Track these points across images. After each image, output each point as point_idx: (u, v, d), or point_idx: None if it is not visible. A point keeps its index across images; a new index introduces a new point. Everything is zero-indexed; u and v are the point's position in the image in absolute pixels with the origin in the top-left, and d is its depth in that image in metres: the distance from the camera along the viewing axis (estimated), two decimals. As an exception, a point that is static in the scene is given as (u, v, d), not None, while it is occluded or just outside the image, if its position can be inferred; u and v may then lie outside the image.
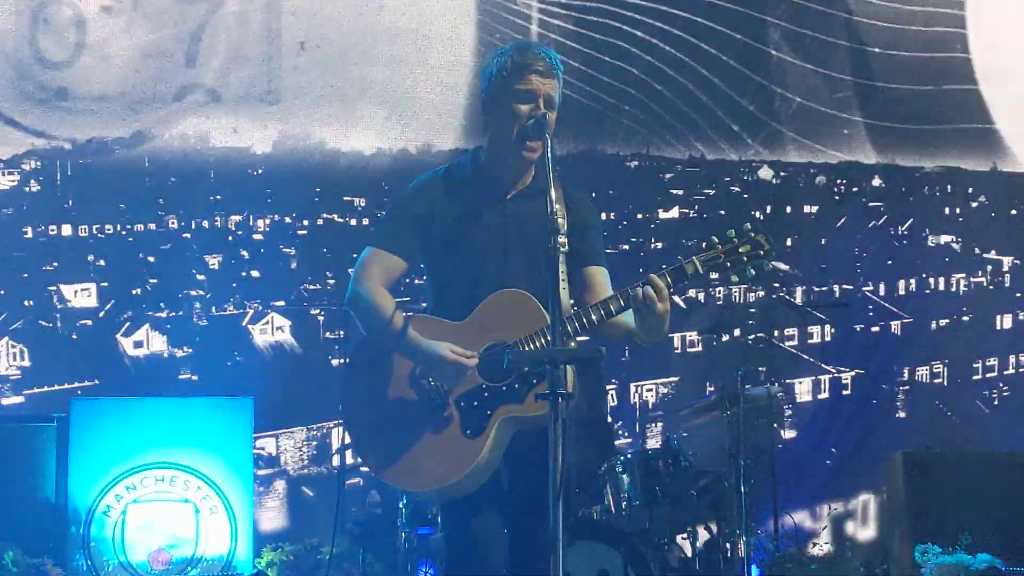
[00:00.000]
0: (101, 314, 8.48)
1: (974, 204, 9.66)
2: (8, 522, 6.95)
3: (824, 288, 9.41)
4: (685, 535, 7.13)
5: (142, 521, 7.12)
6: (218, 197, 8.73)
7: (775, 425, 8.89)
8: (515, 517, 4.14)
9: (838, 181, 9.50)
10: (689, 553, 7.16)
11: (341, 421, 7.31)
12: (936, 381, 9.46)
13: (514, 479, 4.15)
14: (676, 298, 8.64)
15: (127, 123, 8.53)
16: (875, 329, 9.45)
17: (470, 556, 4.13)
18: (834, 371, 9.31)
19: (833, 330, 9.37)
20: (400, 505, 6.77)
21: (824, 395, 9.29)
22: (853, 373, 9.35)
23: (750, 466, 6.91)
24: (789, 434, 9.14)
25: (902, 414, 9.32)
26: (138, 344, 8.55)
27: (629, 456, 6.81)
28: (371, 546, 7.20)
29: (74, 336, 8.42)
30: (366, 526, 7.09)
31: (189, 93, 8.66)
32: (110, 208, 8.57)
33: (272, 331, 8.73)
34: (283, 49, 8.80)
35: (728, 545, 6.91)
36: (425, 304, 4.41)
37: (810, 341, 9.37)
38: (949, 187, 9.60)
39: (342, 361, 8.41)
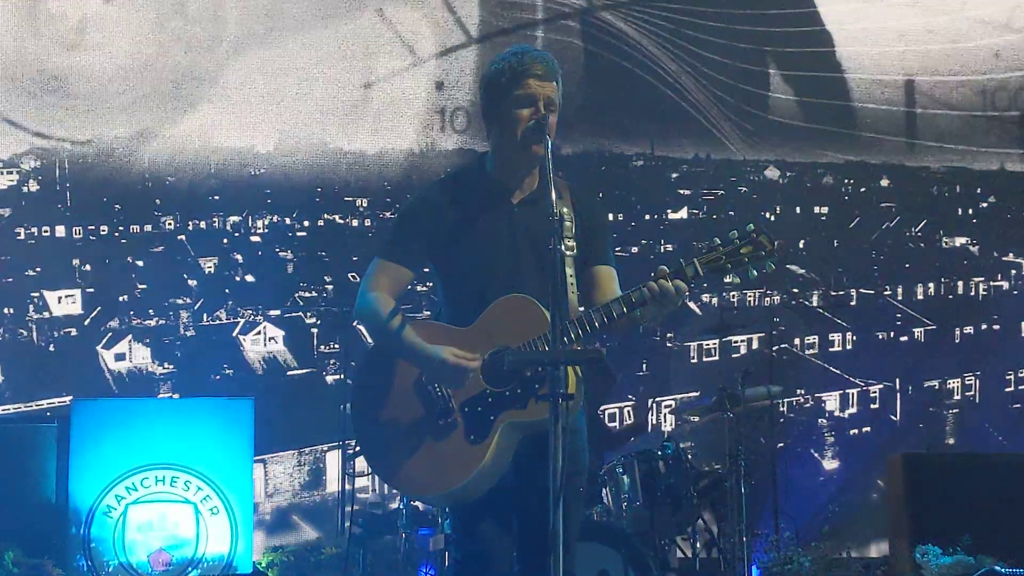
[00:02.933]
0: (86, 322, 8.56)
1: (984, 204, 9.81)
2: (8, 522, 7.12)
3: (841, 292, 9.56)
4: (685, 536, 7.39)
5: (142, 521, 7.28)
6: (216, 198, 8.90)
7: (816, 453, 9.07)
8: (524, 522, 4.27)
9: (845, 181, 9.68)
10: (689, 554, 7.43)
11: (344, 435, 7.59)
12: (968, 394, 9.58)
13: (523, 484, 4.27)
14: (692, 304, 8.91)
15: (128, 122, 8.71)
16: (904, 338, 9.60)
17: (478, 561, 4.29)
18: (862, 384, 9.43)
19: (854, 338, 9.48)
20: (400, 506, 7.04)
21: (852, 409, 9.40)
22: (881, 385, 9.47)
23: (751, 466, 7.17)
24: (831, 464, 9.25)
25: (951, 440, 9.40)
26: (120, 357, 8.62)
27: (630, 457, 7.09)
28: (371, 546, 7.43)
29: (52, 348, 8.53)
30: (366, 527, 7.32)
31: (192, 92, 8.83)
32: (106, 208, 8.69)
33: (264, 342, 8.84)
34: (287, 48, 8.99)
35: (728, 545, 7.21)
36: (428, 315, 4.65)
37: (831, 349, 9.48)
38: (957, 187, 9.77)
39: (339, 377, 8.57)
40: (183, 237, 8.86)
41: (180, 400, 7.92)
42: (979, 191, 9.78)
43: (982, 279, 9.80)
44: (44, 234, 8.65)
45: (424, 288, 5.07)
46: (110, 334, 8.61)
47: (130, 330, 8.64)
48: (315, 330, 8.86)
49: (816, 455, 9.27)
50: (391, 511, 7.46)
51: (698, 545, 7.37)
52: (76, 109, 8.65)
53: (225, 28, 8.93)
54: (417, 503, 6.96)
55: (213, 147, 8.86)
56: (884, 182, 9.71)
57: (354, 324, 7.92)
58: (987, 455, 8.35)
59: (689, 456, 7.21)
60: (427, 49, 9.19)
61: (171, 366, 8.61)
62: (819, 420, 9.36)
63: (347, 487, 7.38)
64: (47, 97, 8.63)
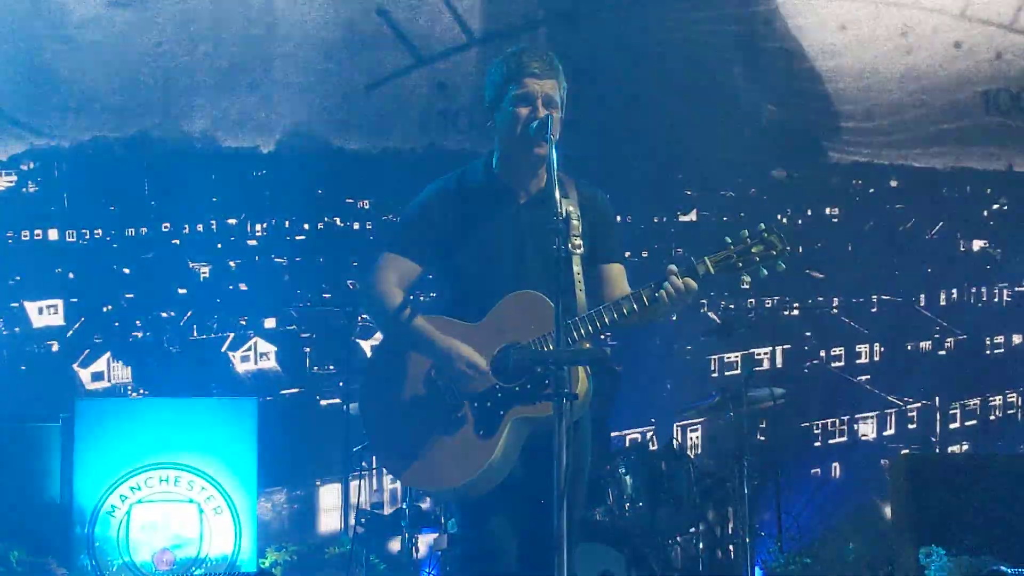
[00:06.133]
0: (69, 334, 8.67)
1: (995, 206, 9.94)
2: (13, 522, 7.46)
3: (861, 299, 9.73)
4: (688, 536, 7.64)
5: (146, 521, 7.62)
6: (215, 199, 9.08)
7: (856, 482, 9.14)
8: (531, 518, 4.45)
9: (853, 182, 9.84)
10: (692, 554, 7.66)
11: (348, 436, 7.78)
12: (1010, 412, 9.65)
13: (530, 481, 4.49)
14: (712, 314, 9.11)
15: (130, 122, 8.91)
16: (941, 353, 9.73)
17: (485, 556, 4.53)
18: (900, 404, 9.55)
19: (882, 349, 9.65)
20: (403, 506, 7.30)
21: (890, 431, 9.51)
22: (920, 404, 9.58)
23: (753, 467, 7.46)
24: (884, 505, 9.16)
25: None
26: (97, 376, 8.74)
27: (632, 457, 7.38)
28: (374, 546, 7.73)
29: (23, 367, 8.63)
30: (370, 526, 7.56)
31: (195, 91, 9.06)
32: (103, 211, 8.86)
33: (255, 358, 8.98)
34: (290, 48, 9.22)
35: (732, 546, 7.51)
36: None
37: (858, 361, 9.63)
38: (968, 188, 9.88)
39: (334, 402, 8.73)
40: (177, 241, 9.00)
41: (184, 400, 8.15)
42: (989, 191, 9.93)
43: (1006, 284, 9.93)
44: (37, 238, 8.78)
45: (426, 298, 5.38)
46: (87, 350, 8.70)
47: (108, 346, 8.71)
48: (308, 348, 8.95)
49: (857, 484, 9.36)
50: (395, 511, 7.71)
51: (701, 546, 7.61)
52: (79, 108, 8.83)
53: (225, 28, 9.15)
54: (421, 502, 7.29)
55: (217, 147, 9.04)
56: (893, 183, 9.87)
57: (357, 331, 8.18)
58: (991, 456, 8.55)
59: (692, 456, 7.48)
60: (432, 51, 9.40)
61: (146, 391, 8.72)
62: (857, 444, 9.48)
63: (352, 487, 7.60)
64: (49, 96, 8.81)
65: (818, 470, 9.40)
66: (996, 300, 9.96)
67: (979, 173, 9.91)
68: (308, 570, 8.17)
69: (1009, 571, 7.01)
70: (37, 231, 8.83)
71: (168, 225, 9.03)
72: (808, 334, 9.59)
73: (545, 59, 4.60)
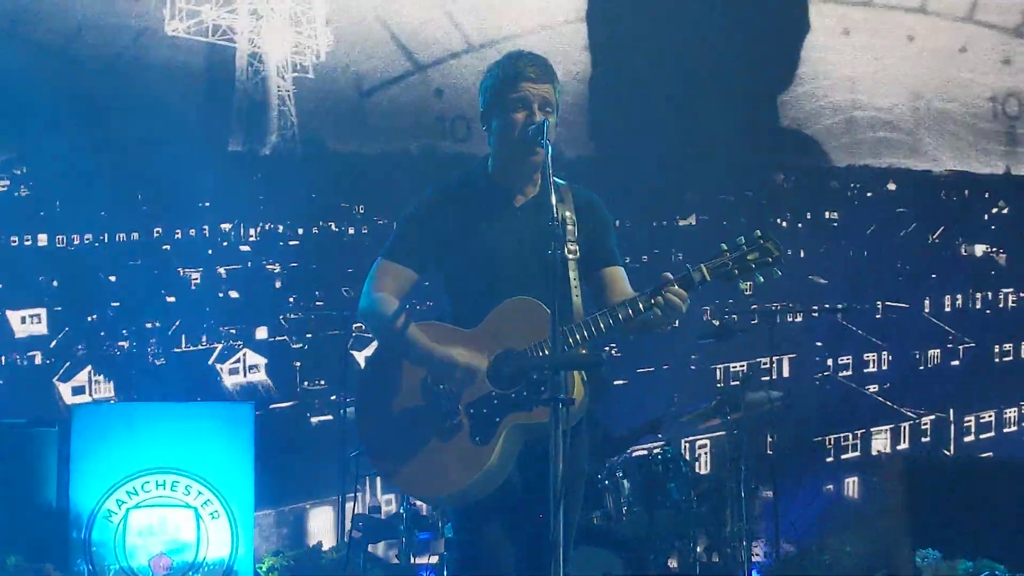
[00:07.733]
0: (52, 344, 8.70)
1: (995, 210, 10.05)
2: (10, 527, 7.59)
3: (866, 305, 9.85)
4: (686, 540, 7.73)
5: (143, 526, 7.74)
6: (207, 204, 9.19)
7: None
8: (527, 524, 4.55)
9: (851, 185, 9.96)
10: (689, 559, 7.76)
11: (345, 443, 7.88)
12: None
13: (527, 487, 4.58)
14: (715, 322, 9.16)
15: (124, 126, 8.99)
16: (954, 362, 9.86)
17: (481, 561, 4.61)
18: (914, 416, 9.62)
19: (890, 357, 9.75)
20: (400, 510, 7.44)
21: (903, 445, 9.57)
22: (933, 416, 9.66)
23: (751, 471, 7.55)
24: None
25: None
26: (78, 390, 8.75)
27: (630, 461, 7.53)
28: (371, 551, 7.84)
29: (1, 381, 8.63)
30: (367, 531, 7.70)
31: (192, 93, 9.15)
32: (94, 216, 8.95)
33: (244, 371, 9.03)
34: (289, 51, 9.36)
35: (728, 550, 7.62)
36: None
37: (867, 370, 9.73)
38: (966, 192, 10.00)
39: (325, 418, 8.81)
40: (168, 247, 9.07)
41: (181, 404, 8.27)
42: (987, 195, 10.05)
43: (1011, 289, 10.04)
44: (26, 243, 8.86)
45: (424, 307, 5.54)
46: (68, 363, 8.73)
47: (91, 359, 8.76)
48: (299, 363, 8.98)
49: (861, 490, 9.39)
50: (392, 515, 7.86)
51: (698, 550, 7.75)
52: (76, 109, 8.89)
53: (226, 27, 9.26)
54: (418, 507, 7.42)
55: (216, 149, 9.16)
56: (891, 186, 9.99)
57: (352, 342, 8.27)
58: (987, 459, 8.71)
59: (689, 460, 7.65)
60: (428, 53, 9.58)
61: (142, 394, 8.79)
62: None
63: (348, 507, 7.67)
64: (47, 96, 8.87)
65: (831, 486, 9.51)
66: (1001, 306, 10.06)
67: (977, 177, 10.04)
68: (304, 575, 8.29)
69: (1005, 574, 7.25)
70: (27, 237, 8.89)
71: (160, 230, 9.11)
72: (819, 344, 9.70)
73: (540, 63, 4.71)
